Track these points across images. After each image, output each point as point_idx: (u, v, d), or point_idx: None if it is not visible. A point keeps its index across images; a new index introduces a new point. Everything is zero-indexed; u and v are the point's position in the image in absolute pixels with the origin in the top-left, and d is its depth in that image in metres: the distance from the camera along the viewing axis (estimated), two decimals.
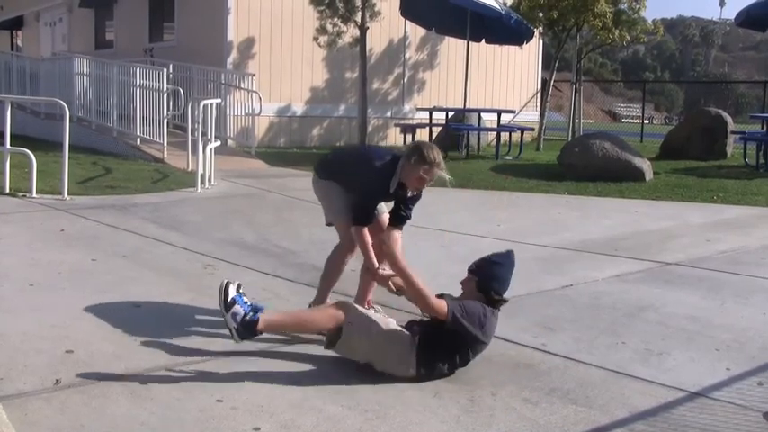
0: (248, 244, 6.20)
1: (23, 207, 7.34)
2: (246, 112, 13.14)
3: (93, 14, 18.52)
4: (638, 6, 15.57)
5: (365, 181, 3.89)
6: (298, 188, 8.86)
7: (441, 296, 3.64)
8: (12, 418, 2.76)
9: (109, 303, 4.32)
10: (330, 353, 3.59)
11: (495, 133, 14.07)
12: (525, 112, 18.08)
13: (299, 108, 14.95)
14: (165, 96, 11.53)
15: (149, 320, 4.03)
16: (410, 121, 15.33)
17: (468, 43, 13.82)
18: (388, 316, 3.68)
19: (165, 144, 11.21)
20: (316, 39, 13.68)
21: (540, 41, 18.19)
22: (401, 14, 14.36)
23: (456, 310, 3.36)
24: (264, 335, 3.44)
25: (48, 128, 13.08)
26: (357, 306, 3.45)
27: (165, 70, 11.69)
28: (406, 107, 16.48)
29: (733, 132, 12.98)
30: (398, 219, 4.00)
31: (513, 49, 16.54)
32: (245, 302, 3.37)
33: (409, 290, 3.44)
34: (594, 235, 6.92)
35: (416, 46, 16.61)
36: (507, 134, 14.47)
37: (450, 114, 13.69)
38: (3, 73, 15.95)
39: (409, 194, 3.94)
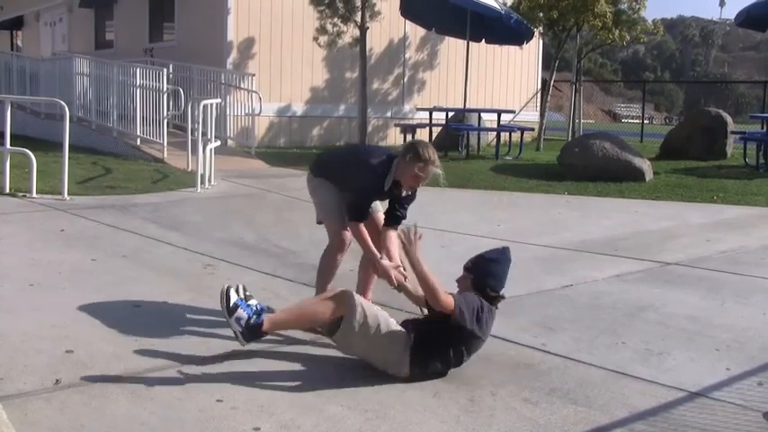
0: (248, 244, 6.20)
1: (23, 207, 7.34)
2: (246, 112, 13.14)
3: (93, 14, 18.52)
4: (638, 6, 15.57)
5: (360, 178, 3.90)
6: (298, 188, 8.86)
7: None
8: (12, 418, 2.76)
9: (109, 303, 4.32)
10: (330, 353, 3.59)
11: (495, 133, 14.06)
12: (525, 112, 18.08)
13: (299, 108, 14.95)
14: (165, 96, 11.53)
15: (149, 320, 4.03)
16: (410, 121, 15.34)
17: (468, 43, 13.82)
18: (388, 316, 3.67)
19: (165, 144, 11.21)
20: (316, 39, 13.68)
21: (540, 41, 18.19)
22: (401, 14, 14.36)
23: (462, 305, 3.35)
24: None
25: (48, 128, 13.08)
26: (359, 298, 3.41)
27: (165, 70, 11.69)
28: (406, 107, 16.48)
29: (733, 132, 12.97)
30: (394, 218, 4.01)
31: (513, 49, 16.54)
32: (248, 305, 3.36)
33: (420, 281, 3.42)
34: (594, 235, 6.92)
35: (416, 46, 16.61)
36: (507, 134, 14.47)
37: (450, 114, 13.69)
38: (3, 73, 15.95)
39: (404, 194, 3.94)
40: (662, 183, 10.22)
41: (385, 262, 3.83)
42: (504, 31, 13.68)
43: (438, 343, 3.34)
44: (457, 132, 13.83)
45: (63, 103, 8.38)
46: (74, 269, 5.08)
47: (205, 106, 9.61)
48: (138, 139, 11.69)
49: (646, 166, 10.51)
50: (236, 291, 3.60)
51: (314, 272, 4.18)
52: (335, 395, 3.12)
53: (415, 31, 16.07)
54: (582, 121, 17.85)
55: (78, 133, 11.61)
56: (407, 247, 3.46)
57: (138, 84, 11.65)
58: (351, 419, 2.91)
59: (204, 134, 9.39)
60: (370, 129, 14.61)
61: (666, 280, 5.28)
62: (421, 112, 14.96)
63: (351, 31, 13.58)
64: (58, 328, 3.82)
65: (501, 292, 3.55)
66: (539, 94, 18.26)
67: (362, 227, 3.87)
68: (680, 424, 2.97)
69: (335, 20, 13.41)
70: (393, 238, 3.96)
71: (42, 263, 5.19)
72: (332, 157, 4.36)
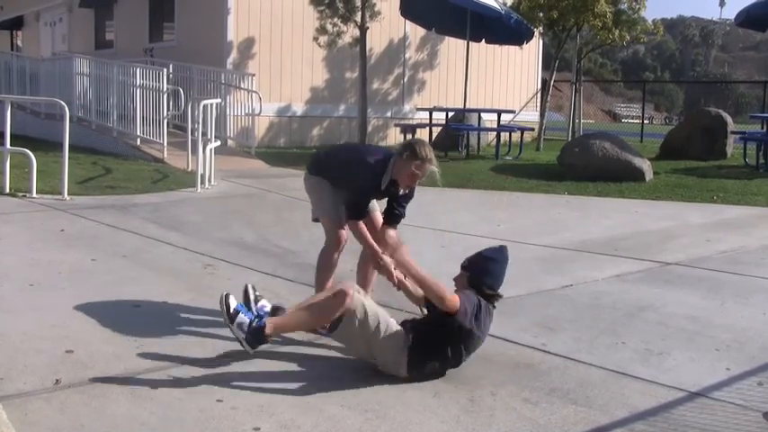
0: (248, 244, 6.20)
1: (23, 207, 7.34)
2: (246, 112, 13.14)
3: (93, 14, 18.51)
4: (638, 6, 15.56)
5: (357, 177, 3.91)
6: (298, 188, 8.79)
7: None
8: (12, 418, 2.76)
9: (109, 303, 4.33)
10: (330, 353, 3.59)
11: (495, 133, 14.06)
12: (525, 112, 18.08)
13: (299, 108, 14.95)
14: (165, 96, 11.53)
15: (149, 320, 4.03)
16: (410, 121, 15.33)
17: (468, 43, 13.82)
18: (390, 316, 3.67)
19: (165, 144, 11.21)
20: (316, 39, 13.68)
21: (540, 41, 18.18)
22: (401, 14, 14.36)
23: (466, 303, 3.34)
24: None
25: (48, 128, 13.08)
26: (360, 296, 3.40)
27: (165, 70, 11.69)
28: (406, 107, 16.48)
29: (733, 132, 12.97)
30: (393, 217, 4.01)
31: (513, 49, 16.54)
32: (249, 310, 3.35)
33: (420, 284, 3.41)
34: (594, 235, 6.92)
35: (416, 46, 16.60)
36: (507, 134, 14.47)
37: (451, 114, 13.69)
38: (3, 73, 15.95)
39: (401, 192, 3.95)
40: (662, 183, 10.22)
41: (386, 257, 3.84)
42: (504, 31, 13.68)
43: (437, 343, 3.34)
44: (457, 132, 13.83)
45: (63, 103, 8.38)
46: (74, 269, 5.08)
47: (205, 106, 9.61)
48: (138, 139, 11.69)
49: (646, 166, 10.51)
50: (246, 291, 3.67)
51: (314, 272, 4.19)
52: (335, 395, 3.12)
53: (415, 31, 16.07)
54: (582, 121, 17.85)
55: (78, 133, 11.61)
56: (395, 255, 3.46)
57: (138, 84, 11.65)
58: (351, 419, 2.91)
59: (204, 134, 9.39)
60: (370, 129, 14.61)
61: (666, 280, 5.28)
62: (421, 112, 14.96)
63: (351, 31, 13.58)
64: (58, 328, 3.82)
65: (498, 291, 3.54)
66: (539, 94, 18.26)
67: (362, 224, 3.88)
68: (680, 424, 2.97)
69: (335, 20, 13.41)
70: (392, 236, 3.96)
71: (42, 263, 5.19)
72: (329, 155, 4.38)
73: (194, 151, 9.47)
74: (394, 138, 15.63)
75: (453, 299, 3.32)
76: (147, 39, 16.30)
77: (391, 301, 4.15)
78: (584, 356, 3.70)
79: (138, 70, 11.77)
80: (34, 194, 7.79)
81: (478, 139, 14.63)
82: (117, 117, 12.22)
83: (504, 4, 14.62)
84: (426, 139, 13.33)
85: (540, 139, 15.56)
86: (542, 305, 4.62)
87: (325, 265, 4.10)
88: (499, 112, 14.42)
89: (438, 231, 6.80)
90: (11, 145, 8.10)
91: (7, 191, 7.86)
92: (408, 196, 4.01)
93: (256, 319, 3.31)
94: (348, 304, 3.28)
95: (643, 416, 3.02)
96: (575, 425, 2.93)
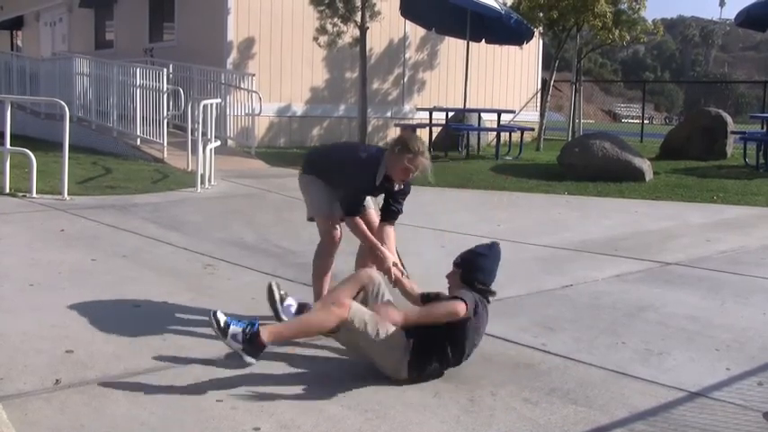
0: (248, 244, 6.20)
1: (23, 207, 7.34)
2: (246, 112, 13.14)
3: (93, 14, 18.52)
4: (638, 6, 15.57)
5: (351, 174, 3.93)
6: (298, 188, 8.78)
7: (437, 295, 3.64)
8: (12, 418, 2.76)
9: (109, 303, 4.33)
10: (329, 354, 3.59)
11: (495, 133, 14.06)
12: (525, 112, 18.08)
13: (299, 108, 14.95)
14: (165, 96, 11.54)
15: (149, 320, 4.03)
16: (410, 121, 15.33)
17: (468, 43, 13.82)
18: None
19: (165, 144, 11.21)
20: (316, 39, 13.68)
21: (540, 41, 18.18)
22: (401, 14, 14.36)
23: (469, 303, 3.32)
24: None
25: (48, 128, 13.08)
26: (358, 307, 3.39)
27: (165, 70, 11.69)
28: (406, 107, 16.48)
29: (733, 132, 12.97)
30: (390, 213, 4.02)
31: (513, 49, 16.54)
32: (239, 320, 3.28)
33: (433, 318, 3.37)
34: (594, 235, 6.92)
35: (416, 46, 16.61)
36: (507, 134, 14.47)
37: (451, 114, 13.69)
38: (3, 73, 15.95)
39: (396, 188, 3.95)
40: (662, 183, 10.22)
41: (385, 250, 3.85)
42: (504, 31, 13.68)
43: (438, 344, 3.33)
44: (457, 132, 13.83)
45: (63, 103, 8.38)
46: (74, 269, 5.08)
47: (205, 106, 9.61)
48: (138, 139, 11.69)
49: (646, 166, 10.51)
50: (270, 289, 3.79)
51: None
52: (335, 395, 3.12)
53: (415, 31, 16.07)
54: (582, 121, 17.85)
55: (78, 133, 11.62)
56: (400, 285, 3.49)
57: (138, 84, 11.65)
58: (351, 419, 2.91)
59: (204, 134, 9.39)
60: (370, 129, 14.61)
61: (666, 280, 5.28)
62: (421, 112, 14.96)
63: (351, 31, 13.58)
64: (58, 328, 3.82)
65: (491, 287, 3.55)
66: (539, 94, 18.26)
67: (359, 219, 3.89)
68: (680, 424, 2.97)
69: (335, 20, 13.41)
70: (390, 233, 3.97)
71: (42, 263, 5.19)
72: (322, 154, 4.40)
73: (194, 151, 9.47)
74: None
75: (459, 305, 3.29)
76: (147, 39, 16.31)
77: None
78: (584, 356, 3.70)
79: (138, 70, 11.78)
80: (34, 194, 7.79)
81: (478, 139, 14.63)
82: (117, 117, 12.22)
83: (504, 4, 14.62)
84: (426, 139, 13.35)
85: (539, 139, 15.56)
86: (542, 305, 4.62)
87: (322, 264, 4.11)
88: (499, 112, 14.42)
89: (438, 231, 6.80)
90: (11, 145, 8.10)
91: (7, 191, 7.87)
92: (404, 192, 4.01)
93: (249, 326, 3.20)
94: (345, 317, 3.26)
95: (643, 416, 3.02)
96: (575, 425, 2.93)
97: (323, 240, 4.09)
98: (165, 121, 11.50)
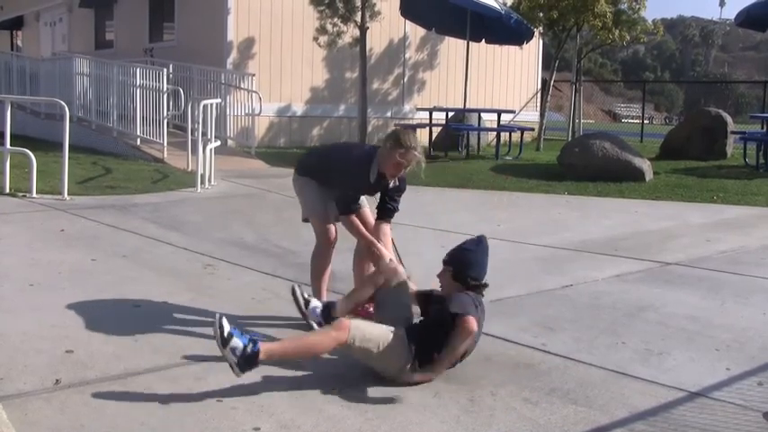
0: (248, 244, 6.21)
1: (23, 207, 7.34)
2: (246, 112, 13.14)
3: (93, 14, 18.52)
4: (638, 6, 15.56)
5: (345, 173, 3.94)
6: None
7: (430, 292, 3.64)
8: (12, 418, 2.76)
9: (109, 303, 4.33)
10: (329, 354, 3.58)
11: (495, 133, 14.06)
12: (525, 112, 18.07)
13: (299, 108, 14.95)
14: (165, 96, 11.53)
15: (149, 320, 4.03)
16: (410, 121, 15.33)
17: (468, 43, 13.81)
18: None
19: (165, 144, 11.21)
20: (316, 39, 13.68)
21: (540, 41, 18.18)
22: (401, 14, 14.35)
23: (472, 313, 3.31)
24: (265, 334, 3.43)
25: (48, 128, 13.08)
26: (357, 327, 3.31)
27: (165, 70, 11.69)
28: (406, 107, 16.48)
29: (733, 132, 12.97)
30: (386, 211, 4.03)
31: (513, 49, 16.54)
32: (242, 334, 3.25)
33: (456, 357, 3.36)
34: (594, 235, 6.92)
35: (416, 46, 16.60)
36: (507, 134, 14.46)
37: (451, 114, 13.68)
38: (3, 73, 15.95)
39: (391, 185, 3.95)
40: (662, 183, 10.22)
41: (382, 247, 3.86)
42: (504, 31, 13.68)
43: (439, 346, 3.33)
44: (457, 132, 13.82)
45: (63, 103, 8.38)
46: (74, 269, 5.08)
47: (205, 106, 9.61)
48: (138, 139, 11.69)
49: (646, 166, 10.51)
50: (294, 292, 3.76)
51: None
52: (335, 395, 3.12)
53: (415, 31, 16.06)
54: (582, 121, 17.85)
55: (78, 133, 11.62)
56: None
57: (138, 84, 11.65)
58: (351, 419, 2.91)
59: (204, 134, 9.39)
60: (370, 129, 14.61)
61: (666, 280, 5.28)
62: (421, 112, 14.95)
63: (351, 31, 13.57)
64: (58, 328, 3.82)
65: (483, 281, 3.55)
66: (539, 94, 18.26)
67: (354, 218, 3.90)
68: (680, 424, 2.97)
69: (335, 20, 13.41)
70: (386, 230, 3.98)
71: (42, 263, 5.19)
72: (315, 155, 4.43)
73: (194, 151, 9.47)
74: None
75: (470, 323, 3.25)
76: (147, 39, 16.31)
77: None
78: (584, 356, 3.70)
79: (138, 70, 11.77)
80: (34, 194, 7.79)
81: (478, 139, 14.63)
82: (117, 117, 12.22)
83: (504, 4, 14.61)
84: (426, 139, 13.35)
85: (539, 139, 15.56)
86: (542, 305, 4.62)
87: (319, 264, 4.13)
88: (499, 112, 14.42)
89: (438, 231, 6.80)
90: (11, 145, 8.10)
91: (7, 191, 7.87)
92: (400, 189, 4.02)
93: (250, 344, 3.13)
94: (344, 341, 3.21)
95: (643, 416, 3.02)
96: (575, 425, 2.93)
97: (318, 241, 4.11)
98: (165, 121, 11.50)
